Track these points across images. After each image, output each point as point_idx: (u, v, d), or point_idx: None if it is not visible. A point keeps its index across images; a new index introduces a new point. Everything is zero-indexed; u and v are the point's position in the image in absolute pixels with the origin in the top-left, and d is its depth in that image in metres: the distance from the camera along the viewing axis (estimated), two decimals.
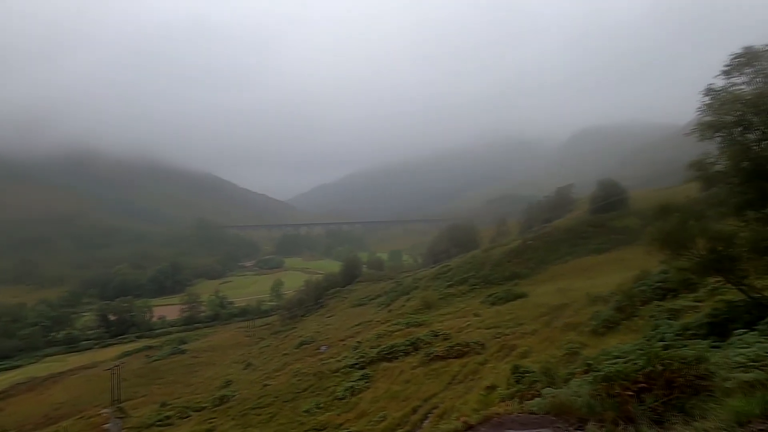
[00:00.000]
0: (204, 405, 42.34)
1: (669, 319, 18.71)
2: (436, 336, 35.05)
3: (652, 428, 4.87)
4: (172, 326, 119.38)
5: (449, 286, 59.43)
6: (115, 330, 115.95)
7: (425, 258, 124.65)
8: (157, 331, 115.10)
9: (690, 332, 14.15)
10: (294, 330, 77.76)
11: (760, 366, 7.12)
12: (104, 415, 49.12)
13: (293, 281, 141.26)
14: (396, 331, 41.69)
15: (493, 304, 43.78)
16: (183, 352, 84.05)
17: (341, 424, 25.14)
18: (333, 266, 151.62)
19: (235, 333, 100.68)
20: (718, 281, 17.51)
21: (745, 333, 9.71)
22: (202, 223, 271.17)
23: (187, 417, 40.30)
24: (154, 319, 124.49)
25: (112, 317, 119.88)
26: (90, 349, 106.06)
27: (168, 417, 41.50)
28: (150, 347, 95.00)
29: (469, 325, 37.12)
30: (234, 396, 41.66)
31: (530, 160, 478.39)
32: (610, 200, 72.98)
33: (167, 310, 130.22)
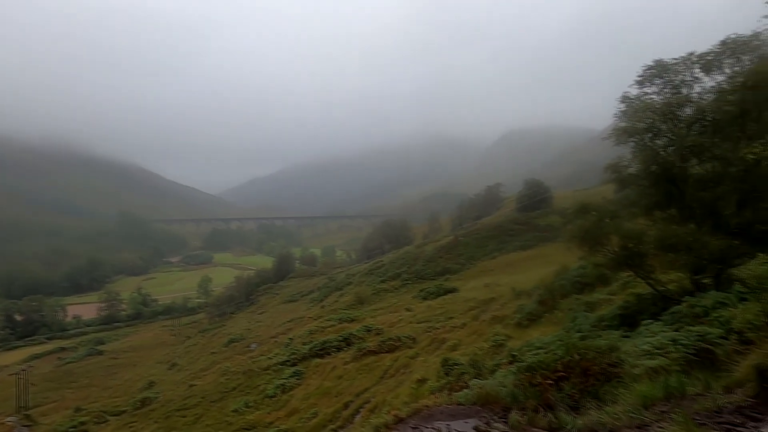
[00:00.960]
0: (124, 409, 40.08)
1: (586, 311, 20.00)
2: (369, 331, 35.30)
3: (569, 414, 5.17)
4: (88, 326, 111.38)
5: (382, 281, 60.01)
6: (22, 331, 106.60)
7: (359, 254, 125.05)
8: (71, 332, 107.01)
9: (604, 323, 15.19)
10: (223, 328, 75.37)
11: (664, 353, 7.76)
12: (8, 424, 45.09)
13: (223, 277, 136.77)
14: (328, 327, 41.55)
15: (425, 298, 44.76)
16: (100, 353, 78.92)
17: (271, 423, 24.71)
18: (265, 262, 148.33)
19: (159, 332, 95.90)
20: (629, 276, 18.88)
21: (651, 323, 10.54)
22: (125, 217, 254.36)
23: (104, 422, 37.95)
24: (68, 319, 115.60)
25: (18, 317, 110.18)
26: None
27: (83, 423, 38.85)
28: (63, 349, 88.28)
29: (401, 319, 37.69)
30: (157, 398, 39.74)
31: (462, 159, 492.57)
32: (535, 199, 76.82)
33: (83, 309, 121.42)
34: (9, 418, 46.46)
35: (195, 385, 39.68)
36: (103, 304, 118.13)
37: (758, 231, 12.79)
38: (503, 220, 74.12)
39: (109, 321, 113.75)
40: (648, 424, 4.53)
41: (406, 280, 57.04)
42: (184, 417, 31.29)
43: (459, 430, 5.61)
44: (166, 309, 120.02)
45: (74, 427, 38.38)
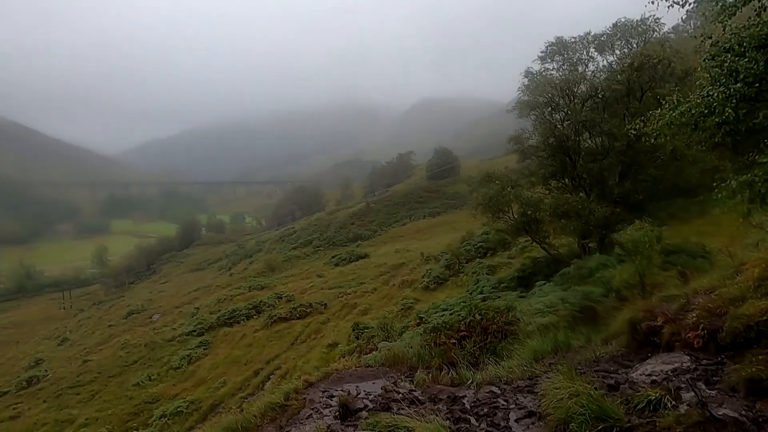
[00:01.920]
0: (6, 389, 36.49)
1: (488, 274, 21.34)
2: (280, 298, 35.01)
3: (470, 370, 5.51)
4: None
5: (294, 248, 59.43)
6: None
7: (270, 221, 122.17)
8: None
9: (504, 285, 16.33)
10: (121, 299, 70.70)
11: (553, 311, 8.51)
12: None
13: (121, 246, 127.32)
14: (238, 295, 40.59)
15: (337, 264, 45.09)
16: None
17: (177, 395, 23.92)
18: (168, 229, 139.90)
19: (45, 306, 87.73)
20: (527, 241, 20.36)
21: (544, 284, 11.48)
22: (1, 180, 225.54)
23: None
24: None
25: None
26: None
27: None
28: None
29: (312, 286, 37.75)
30: (46, 376, 36.65)
31: (373, 127, 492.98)
32: (444, 168, 79.39)
33: None
34: None
35: (90, 360, 37.10)
36: None
37: (636, 200, 14.28)
38: (413, 188, 75.96)
39: None
40: (538, 375, 4.96)
41: (318, 247, 56.97)
42: (78, 394, 29.29)
43: (368, 390, 5.77)
44: (54, 282, 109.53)
45: None
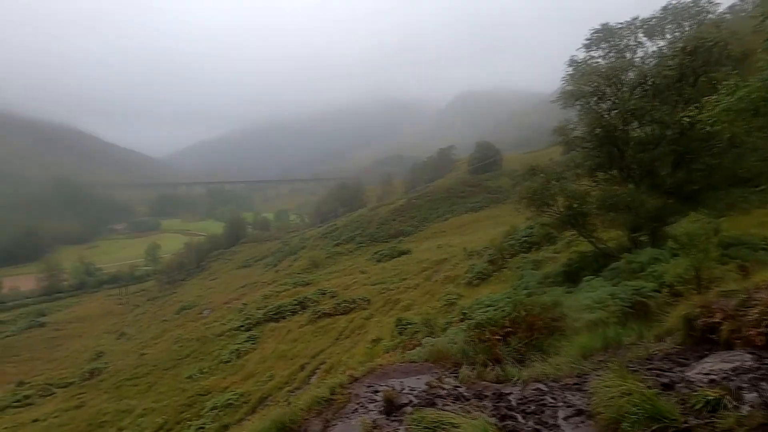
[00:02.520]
0: (71, 380, 38.89)
1: (533, 269, 20.89)
2: (324, 294, 35.55)
3: (515, 367, 5.43)
4: (27, 298, 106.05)
5: (336, 244, 60.16)
6: None
7: (313, 217, 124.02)
8: (9, 304, 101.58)
9: (549, 280, 15.95)
10: (174, 295, 73.74)
11: (603, 307, 8.25)
12: None
13: (171, 244, 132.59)
14: (283, 291, 41.52)
15: (379, 261, 45.34)
16: (42, 325, 75.58)
17: (227, 387, 24.73)
18: (215, 227, 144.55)
19: (104, 302, 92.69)
20: (573, 235, 19.78)
21: (592, 279, 11.13)
22: (62, 183, 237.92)
23: (50, 395, 36.77)
24: (5, 291, 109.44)
25: None
26: None
27: (27, 397, 37.45)
28: (1, 322, 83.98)
29: (355, 282, 38.11)
30: (106, 368, 38.81)
31: (413, 122, 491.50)
32: (486, 161, 78.25)
33: (21, 280, 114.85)
34: None
35: (146, 353, 38.96)
36: (42, 275, 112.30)
37: (690, 190, 13.60)
38: (455, 183, 75.27)
39: (50, 292, 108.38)
40: (587, 372, 4.83)
41: (360, 243, 57.45)
42: (135, 386, 30.81)
43: (412, 386, 5.78)
44: (111, 278, 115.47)
45: (17, 401, 36.98)
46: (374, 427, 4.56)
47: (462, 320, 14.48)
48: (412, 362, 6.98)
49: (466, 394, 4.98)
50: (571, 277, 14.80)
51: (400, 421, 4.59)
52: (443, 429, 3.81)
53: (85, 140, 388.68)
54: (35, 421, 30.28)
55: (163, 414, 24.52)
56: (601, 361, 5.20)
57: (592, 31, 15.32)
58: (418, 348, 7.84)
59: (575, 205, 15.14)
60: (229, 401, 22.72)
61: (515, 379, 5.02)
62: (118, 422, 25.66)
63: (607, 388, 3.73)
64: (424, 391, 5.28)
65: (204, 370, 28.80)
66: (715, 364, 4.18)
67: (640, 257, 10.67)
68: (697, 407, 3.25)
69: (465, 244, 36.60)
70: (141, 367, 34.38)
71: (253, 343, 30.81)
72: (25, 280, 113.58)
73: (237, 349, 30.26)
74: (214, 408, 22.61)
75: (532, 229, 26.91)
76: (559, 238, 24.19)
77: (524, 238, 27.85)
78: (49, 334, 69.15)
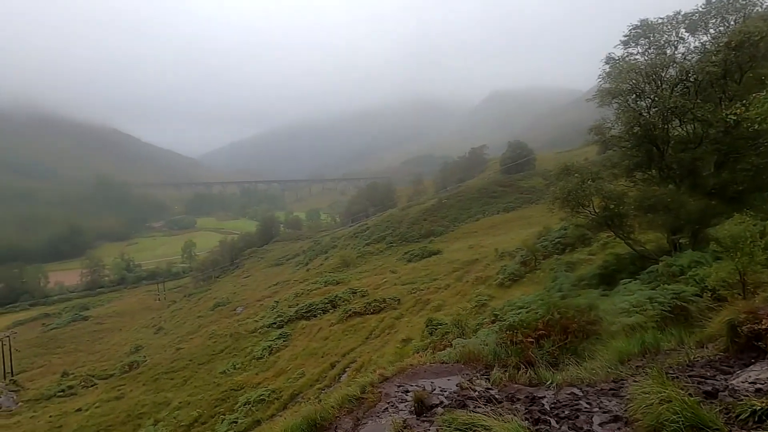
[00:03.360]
0: (111, 372, 40.39)
1: (566, 271, 20.45)
2: (354, 293, 35.74)
3: (549, 370, 5.33)
4: (71, 292, 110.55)
5: (367, 244, 60.37)
6: (4, 298, 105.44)
7: (343, 217, 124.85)
8: (54, 298, 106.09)
9: (584, 282, 15.58)
10: (208, 292, 75.56)
11: (641, 311, 8.01)
12: None
13: (206, 242, 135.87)
14: (314, 290, 41.94)
15: (410, 261, 45.26)
16: (85, 318, 78.71)
17: (259, 383, 25.19)
18: (249, 226, 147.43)
19: (143, 297, 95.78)
20: (609, 236, 19.29)
21: (629, 282, 10.82)
22: (103, 181, 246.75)
23: (92, 386, 38.26)
24: (50, 286, 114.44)
25: None
26: None
27: (71, 387, 39.12)
28: (47, 315, 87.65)
29: (386, 281, 38.16)
30: (145, 361, 40.11)
31: (444, 122, 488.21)
32: (518, 161, 77.06)
33: (65, 275, 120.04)
34: None
35: (182, 348, 40.03)
36: (85, 270, 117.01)
37: (734, 191, 13.05)
38: (487, 183, 74.44)
39: (92, 287, 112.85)
40: (624, 378, 4.70)
41: (391, 243, 57.47)
42: (172, 379, 31.72)
43: (442, 387, 5.75)
44: (150, 274, 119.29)
45: (62, 391, 38.66)
46: (405, 427, 4.55)
47: (493, 322, 14.31)
48: (442, 363, 6.94)
49: (498, 396, 4.92)
50: (607, 279, 14.42)
51: (431, 422, 4.58)
52: (475, 431, 3.78)
53: (124, 141, 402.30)
54: (78, 410, 31.58)
55: (198, 407, 25.18)
56: (638, 366, 5.05)
57: (630, 27, 14.89)
58: (448, 349, 7.80)
59: (612, 206, 14.74)
60: (262, 397, 23.14)
61: (549, 382, 4.93)
62: (155, 414, 26.50)
63: (646, 395, 3.62)
64: (455, 393, 5.24)
65: (237, 366, 29.41)
66: (761, 372, 4.00)
67: (680, 260, 10.31)
68: (742, 417, 3.12)
69: (497, 244, 36.16)
70: (177, 361, 35.35)
71: (284, 341, 31.27)
72: (69, 275, 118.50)
73: (269, 346, 30.78)
74: (246, 403, 23.08)
75: (566, 230, 26.36)
76: (593, 240, 23.62)
77: (558, 240, 27.31)
78: (91, 328, 71.93)
